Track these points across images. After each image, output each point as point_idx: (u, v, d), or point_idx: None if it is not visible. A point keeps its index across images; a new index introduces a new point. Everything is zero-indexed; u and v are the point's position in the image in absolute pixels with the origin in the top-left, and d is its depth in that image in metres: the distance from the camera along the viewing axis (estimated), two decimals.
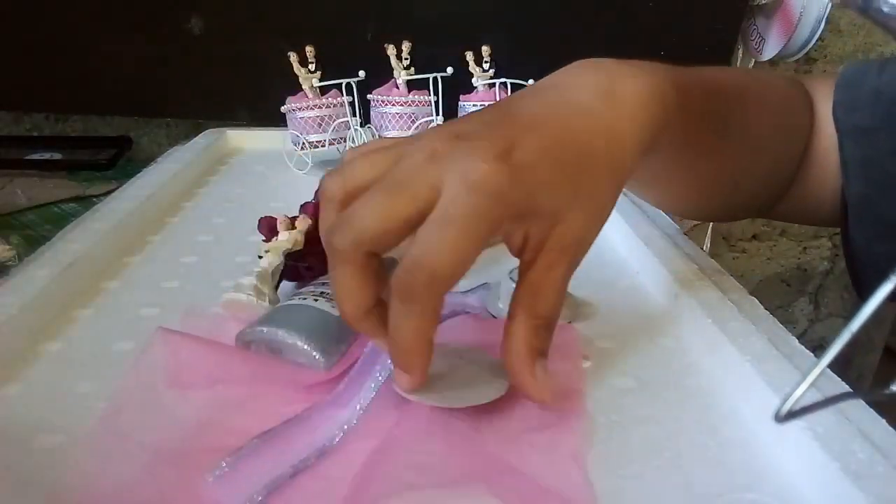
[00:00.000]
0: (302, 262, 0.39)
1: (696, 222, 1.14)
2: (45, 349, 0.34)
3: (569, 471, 0.26)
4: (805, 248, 1.17)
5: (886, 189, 0.39)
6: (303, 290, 0.36)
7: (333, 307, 0.33)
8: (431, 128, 0.30)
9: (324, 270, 0.36)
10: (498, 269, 0.39)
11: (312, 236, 0.39)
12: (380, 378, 0.30)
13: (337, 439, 0.27)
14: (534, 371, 0.28)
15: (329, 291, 0.35)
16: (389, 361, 0.28)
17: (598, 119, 0.29)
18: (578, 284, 0.44)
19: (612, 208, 0.30)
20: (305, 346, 0.31)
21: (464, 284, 0.36)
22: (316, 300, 0.34)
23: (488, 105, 0.31)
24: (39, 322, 0.35)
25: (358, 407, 0.29)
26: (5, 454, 0.26)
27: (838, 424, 0.26)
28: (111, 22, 0.85)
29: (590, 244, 0.29)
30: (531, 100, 0.30)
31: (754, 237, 1.16)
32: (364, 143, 0.30)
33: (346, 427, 0.28)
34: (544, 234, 0.27)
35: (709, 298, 0.37)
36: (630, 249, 0.48)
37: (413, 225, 0.24)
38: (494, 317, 0.37)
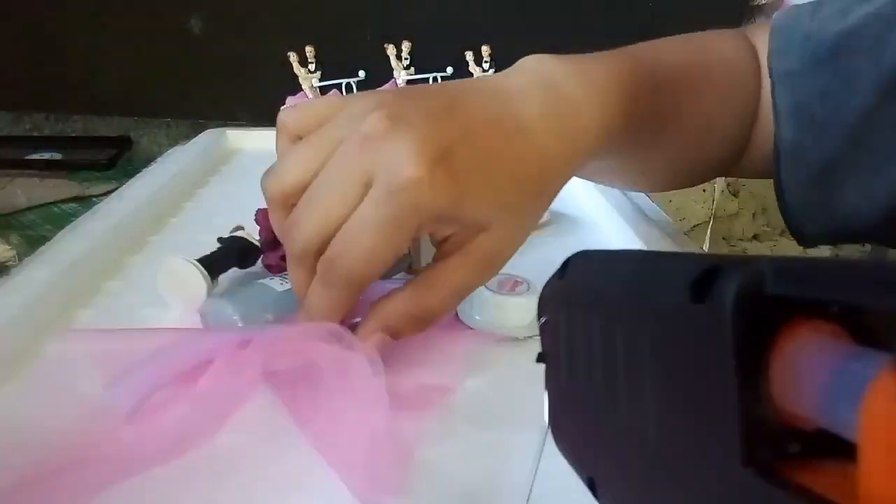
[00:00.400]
0: (267, 260, 0.41)
1: (696, 222, 1.14)
2: (45, 349, 0.34)
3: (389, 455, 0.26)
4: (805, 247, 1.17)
5: (815, 133, 0.37)
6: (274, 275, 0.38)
7: (282, 283, 0.35)
8: (371, 93, 0.31)
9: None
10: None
11: (273, 238, 0.41)
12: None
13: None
14: (370, 339, 0.28)
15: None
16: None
17: (535, 141, 0.29)
18: None
19: (534, 226, 0.31)
20: (230, 310, 0.33)
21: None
22: (272, 280, 0.36)
23: (433, 84, 0.31)
24: (39, 322, 0.35)
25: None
26: (5, 454, 0.26)
27: None
28: (111, 22, 0.85)
29: (507, 258, 0.30)
30: (477, 100, 0.29)
31: (755, 237, 1.16)
32: (297, 105, 0.30)
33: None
34: (465, 238, 0.28)
35: None
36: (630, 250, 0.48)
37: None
38: (468, 326, 0.37)
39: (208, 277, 0.37)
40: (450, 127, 0.27)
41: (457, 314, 0.37)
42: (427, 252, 0.44)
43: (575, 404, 0.18)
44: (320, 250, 0.27)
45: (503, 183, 0.28)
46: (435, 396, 0.31)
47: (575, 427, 0.18)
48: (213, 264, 0.39)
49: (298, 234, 0.27)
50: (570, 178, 0.31)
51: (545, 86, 0.30)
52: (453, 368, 0.33)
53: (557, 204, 0.57)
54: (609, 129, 0.31)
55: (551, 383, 0.19)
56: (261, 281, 0.37)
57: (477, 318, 0.37)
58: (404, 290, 0.29)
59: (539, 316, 0.20)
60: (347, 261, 0.26)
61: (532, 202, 0.30)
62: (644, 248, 0.45)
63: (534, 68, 0.32)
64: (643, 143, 0.37)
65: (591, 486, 0.16)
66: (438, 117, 0.27)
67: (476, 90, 0.30)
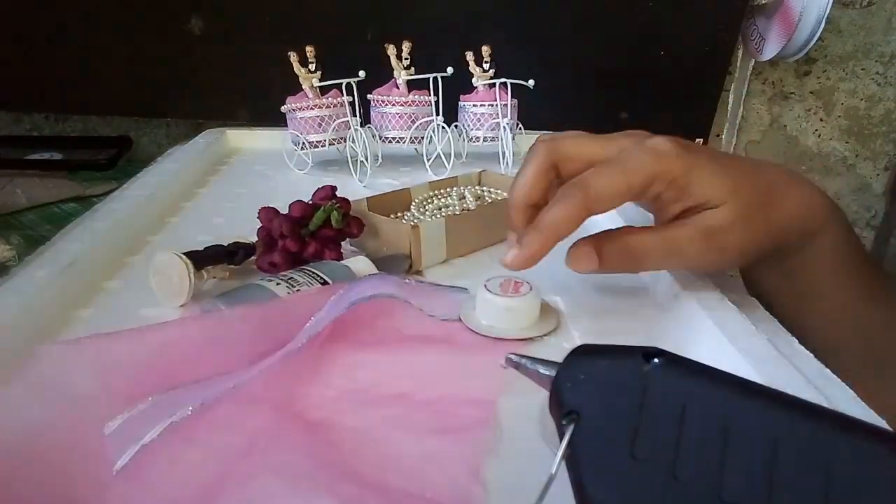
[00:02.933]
0: (266, 260, 0.42)
1: None
2: (44, 350, 0.34)
3: (457, 477, 0.26)
4: None
5: None
6: (270, 276, 0.38)
7: (278, 285, 0.36)
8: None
9: (286, 266, 0.41)
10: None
11: (270, 239, 0.42)
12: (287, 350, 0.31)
13: (219, 398, 0.28)
14: (580, 248, 0.35)
15: (289, 277, 0.37)
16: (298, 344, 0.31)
17: (780, 175, 0.36)
18: (578, 284, 0.44)
19: (761, 235, 0.35)
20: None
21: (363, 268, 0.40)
22: (270, 282, 0.36)
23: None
24: (39, 322, 0.35)
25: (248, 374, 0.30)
26: (6, 454, 0.26)
27: None
28: (111, 22, 0.85)
29: (727, 242, 0.34)
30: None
31: None
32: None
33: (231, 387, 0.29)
34: (694, 211, 0.34)
35: (709, 298, 0.37)
36: None
37: (633, 194, 0.34)
38: (471, 329, 0.36)
39: (192, 266, 0.37)
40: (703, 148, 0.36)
41: (461, 321, 0.37)
42: (427, 253, 0.44)
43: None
44: (597, 211, 0.33)
45: (738, 175, 0.34)
46: (480, 412, 0.30)
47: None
48: (199, 256, 0.39)
49: (589, 189, 0.33)
50: (793, 223, 0.36)
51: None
52: (485, 383, 0.32)
53: None
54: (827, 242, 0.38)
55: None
56: (256, 282, 0.37)
57: (484, 323, 0.37)
58: (626, 229, 0.36)
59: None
60: (593, 182, 0.33)
61: (762, 205, 0.35)
62: None
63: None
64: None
65: None
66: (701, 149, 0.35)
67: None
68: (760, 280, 0.43)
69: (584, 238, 0.35)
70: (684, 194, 0.34)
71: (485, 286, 0.37)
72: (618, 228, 0.36)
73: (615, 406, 0.20)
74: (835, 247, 0.39)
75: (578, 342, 0.37)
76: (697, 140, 0.95)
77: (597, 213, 0.33)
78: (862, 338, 0.41)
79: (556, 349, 0.36)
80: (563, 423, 0.20)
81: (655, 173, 0.33)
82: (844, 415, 0.19)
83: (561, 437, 0.20)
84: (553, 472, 0.20)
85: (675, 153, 0.33)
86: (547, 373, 0.23)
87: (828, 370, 0.32)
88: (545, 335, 0.37)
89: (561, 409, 0.21)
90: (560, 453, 0.20)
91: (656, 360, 0.20)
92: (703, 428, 0.18)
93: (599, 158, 0.35)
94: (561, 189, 0.34)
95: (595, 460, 0.20)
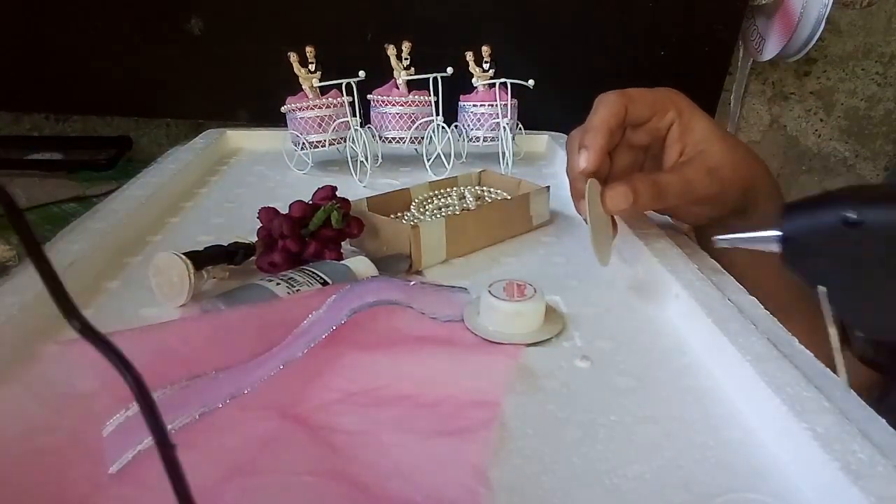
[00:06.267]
0: (266, 260, 0.42)
1: None
2: (45, 350, 0.34)
3: (462, 478, 0.26)
4: None
5: None
6: (270, 276, 0.38)
7: (278, 285, 0.36)
8: None
9: (286, 266, 0.41)
10: None
11: (271, 239, 0.42)
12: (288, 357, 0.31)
13: (221, 404, 0.28)
14: (616, 188, 0.41)
15: (289, 277, 0.37)
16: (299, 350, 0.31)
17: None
18: (578, 284, 0.44)
19: (744, 174, 0.44)
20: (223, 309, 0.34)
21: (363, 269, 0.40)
22: (270, 282, 0.36)
23: None
24: (39, 322, 0.35)
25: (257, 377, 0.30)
26: (6, 454, 0.26)
27: (838, 424, 0.26)
28: (111, 22, 0.85)
29: (722, 177, 0.43)
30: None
31: None
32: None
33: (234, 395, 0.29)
34: (694, 155, 0.44)
35: (709, 298, 0.37)
36: (630, 249, 0.48)
37: (657, 105, 0.45)
38: (472, 332, 0.36)
39: (192, 266, 0.37)
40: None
41: (466, 326, 0.37)
42: (427, 253, 0.44)
43: None
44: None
45: (723, 129, 0.45)
46: (484, 413, 0.30)
47: None
48: (199, 256, 0.39)
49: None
50: (759, 178, 0.45)
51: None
52: (489, 384, 0.32)
53: (558, 204, 0.57)
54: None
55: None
56: (256, 282, 0.37)
57: (490, 328, 0.36)
58: (649, 172, 0.43)
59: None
60: (631, 90, 0.44)
61: (746, 152, 0.45)
62: (644, 247, 0.45)
63: None
64: None
65: None
66: None
67: None
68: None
69: (619, 181, 0.41)
70: (686, 131, 0.44)
71: (489, 291, 0.36)
72: (647, 173, 0.43)
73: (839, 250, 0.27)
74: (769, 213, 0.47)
75: (579, 343, 0.37)
76: None
77: (631, 116, 0.43)
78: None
79: (565, 350, 0.36)
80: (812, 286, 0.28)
81: (673, 99, 0.44)
82: None
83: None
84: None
85: (689, 100, 0.45)
86: (769, 235, 0.31)
87: (828, 370, 0.32)
88: (553, 337, 0.37)
89: (803, 268, 0.29)
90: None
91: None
92: None
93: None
94: (595, 102, 0.43)
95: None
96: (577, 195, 0.45)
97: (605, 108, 0.42)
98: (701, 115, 0.44)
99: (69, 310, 0.12)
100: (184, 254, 0.38)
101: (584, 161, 0.41)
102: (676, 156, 0.45)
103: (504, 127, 0.67)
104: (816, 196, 0.30)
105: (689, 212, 0.47)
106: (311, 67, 0.64)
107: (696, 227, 0.51)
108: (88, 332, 0.12)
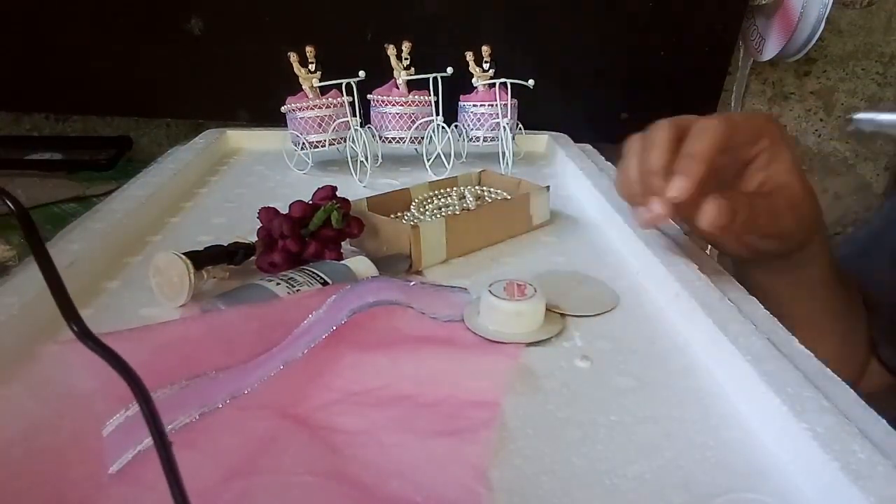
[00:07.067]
0: (266, 260, 0.42)
1: None
2: (44, 350, 0.34)
3: (462, 478, 0.26)
4: None
5: None
6: (270, 276, 0.38)
7: (278, 285, 0.36)
8: None
9: (286, 266, 0.41)
10: None
11: (271, 239, 0.42)
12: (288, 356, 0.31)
13: (221, 404, 0.28)
14: (712, 202, 0.37)
15: (289, 277, 0.37)
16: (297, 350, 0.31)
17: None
18: (578, 284, 0.44)
19: (808, 223, 0.42)
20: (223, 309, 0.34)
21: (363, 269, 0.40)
22: (270, 282, 0.36)
23: None
24: (39, 322, 0.35)
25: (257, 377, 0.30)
26: (6, 454, 0.26)
27: (838, 424, 0.26)
28: (111, 22, 0.85)
29: (797, 216, 0.41)
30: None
31: None
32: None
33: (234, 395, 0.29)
34: (772, 188, 0.41)
35: (709, 298, 0.37)
36: (630, 249, 0.48)
37: (755, 131, 0.41)
38: (472, 332, 0.36)
39: (192, 266, 0.37)
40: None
41: (466, 326, 0.37)
42: (427, 253, 0.44)
43: None
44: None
45: (800, 164, 0.42)
46: (485, 413, 0.30)
47: None
48: (199, 256, 0.39)
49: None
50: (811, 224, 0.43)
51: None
52: (490, 384, 0.32)
53: (558, 204, 0.57)
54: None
55: None
56: (256, 282, 0.37)
57: (491, 328, 0.36)
58: (741, 193, 0.41)
59: None
60: (732, 116, 0.41)
61: (810, 192, 0.42)
62: (644, 247, 0.45)
63: None
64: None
65: None
66: None
67: None
68: (760, 274, 0.48)
69: (715, 195, 0.39)
70: (773, 161, 0.41)
71: (489, 291, 0.37)
72: (735, 191, 0.42)
73: None
74: (822, 251, 0.46)
75: (579, 343, 0.37)
76: None
77: (734, 142, 0.40)
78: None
79: (565, 350, 0.36)
80: None
81: (769, 128, 0.41)
82: None
83: None
84: None
85: (782, 129, 0.42)
86: None
87: (828, 370, 0.32)
88: (553, 337, 0.37)
89: None
90: None
91: None
92: None
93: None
94: (695, 126, 0.40)
95: None
96: (637, 199, 0.41)
97: (711, 136, 0.39)
98: (788, 146, 0.41)
99: (70, 314, 0.12)
100: (184, 254, 0.38)
101: (678, 190, 0.37)
102: (757, 184, 0.41)
103: (504, 127, 0.67)
104: None
105: (748, 243, 0.43)
106: (311, 67, 0.64)
107: (735, 260, 0.49)
108: (88, 340, 0.11)
